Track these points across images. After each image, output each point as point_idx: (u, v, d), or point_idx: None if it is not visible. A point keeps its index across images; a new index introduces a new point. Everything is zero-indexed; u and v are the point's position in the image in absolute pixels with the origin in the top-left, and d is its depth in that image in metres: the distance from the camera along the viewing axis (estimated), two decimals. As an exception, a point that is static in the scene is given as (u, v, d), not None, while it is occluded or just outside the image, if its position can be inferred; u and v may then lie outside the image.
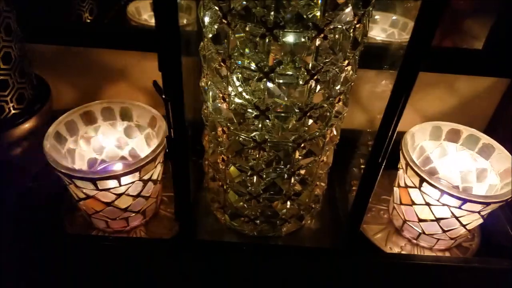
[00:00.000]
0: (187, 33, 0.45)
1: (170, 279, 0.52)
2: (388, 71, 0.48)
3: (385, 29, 0.63)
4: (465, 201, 0.45)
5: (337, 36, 0.34)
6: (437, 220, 0.49)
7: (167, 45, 0.30)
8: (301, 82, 0.36)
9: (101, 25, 0.61)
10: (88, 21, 0.61)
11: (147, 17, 0.62)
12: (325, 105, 0.40)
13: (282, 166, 0.44)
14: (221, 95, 0.40)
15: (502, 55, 0.58)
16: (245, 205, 0.49)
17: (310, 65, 0.35)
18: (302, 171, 0.46)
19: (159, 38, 0.30)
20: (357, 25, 0.35)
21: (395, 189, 0.54)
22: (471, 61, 0.60)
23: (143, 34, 0.59)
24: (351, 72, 0.40)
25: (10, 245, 0.48)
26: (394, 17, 0.62)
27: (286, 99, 0.38)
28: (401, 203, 0.53)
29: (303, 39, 0.34)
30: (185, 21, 0.50)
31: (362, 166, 0.51)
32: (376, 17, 0.63)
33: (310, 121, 0.41)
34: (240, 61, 0.36)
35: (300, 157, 0.44)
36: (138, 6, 0.62)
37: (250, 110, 0.39)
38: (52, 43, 0.59)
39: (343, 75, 0.39)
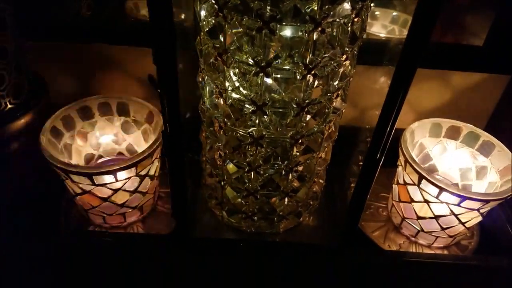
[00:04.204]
0: (184, 27, 0.44)
1: (167, 275, 0.51)
2: (387, 67, 0.48)
3: (385, 25, 0.62)
4: (464, 198, 0.45)
5: (335, 30, 0.34)
6: (436, 217, 0.49)
7: (162, 37, 0.30)
8: (298, 77, 0.36)
9: (99, 20, 0.61)
10: (86, 16, 0.60)
11: (145, 13, 0.61)
12: (323, 101, 0.40)
13: (280, 162, 0.44)
14: (218, 90, 0.40)
15: (503, 51, 0.58)
16: (242, 201, 0.49)
17: (308, 59, 0.35)
18: (300, 168, 0.46)
19: (153, 29, 0.29)
20: (355, 19, 0.35)
21: (394, 186, 0.54)
22: (471, 57, 0.59)
23: (141, 29, 0.59)
24: (349, 67, 0.39)
25: (7, 241, 0.47)
26: (395, 14, 0.62)
27: (283, 94, 0.37)
28: (400, 201, 0.52)
29: (300, 33, 0.33)
30: (182, 16, 0.50)
31: (361, 163, 0.51)
32: (376, 13, 0.62)
33: (308, 117, 0.40)
34: (237, 56, 0.36)
35: (298, 153, 0.43)
36: (137, 1, 0.61)
37: (247, 106, 0.39)
38: (50, 38, 0.58)
39: (341, 70, 0.38)
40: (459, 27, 0.61)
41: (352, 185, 0.53)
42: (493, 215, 0.54)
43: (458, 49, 0.60)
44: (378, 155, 0.38)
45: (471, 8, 0.61)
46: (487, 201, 0.45)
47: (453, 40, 0.61)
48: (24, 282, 0.51)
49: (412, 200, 0.50)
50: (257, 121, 0.40)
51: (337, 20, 0.33)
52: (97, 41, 0.60)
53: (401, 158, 0.50)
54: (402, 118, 0.37)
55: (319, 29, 0.33)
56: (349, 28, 0.35)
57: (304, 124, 0.41)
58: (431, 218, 0.49)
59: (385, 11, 0.62)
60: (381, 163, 0.40)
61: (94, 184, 0.45)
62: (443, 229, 0.50)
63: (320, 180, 0.51)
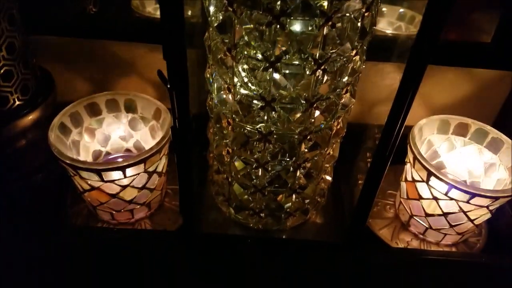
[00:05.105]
0: (191, 24, 0.44)
1: (175, 271, 0.52)
2: (396, 63, 0.47)
3: (392, 22, 0.62)
4: (473, 195, 0.45)
5: (345, 25, 0.34)
6: (445, 214, 0.49)
7: (172, 32, 0.30)
8: (307, 72, 0.36)
9: (105, 17, 0.61)
10: (92, 13, 0.60)
11: (152, 10, 0.61)
12: (332, 97, 0.40)
13: (288, 159, 0.44)
14: (226, 86, 0.40)
15: (510, 48, 0.57)
16: (250, 198, 0.48)
17: (317, 54, 0.34)
18: (308, 164, 0.46)
19: (164, 22, 0.29)
20: (366, 14, 0.34)
21: (402, 183, 0.53)
22: (479, 54, 0.59)
23: (148, 25, 0.59)
24: (359, 62, 0.39)
25: (15, 237, 0.48)
26: (401, 10, 0.61)
27: (292, 90, 0.37)
28: (408, 198, 0.52)
29: (310, 28, 0.33)
30: (189, 12, 0.50)
31: (369, 160, 0.51)
32: (383, 9, 0.62)
33: (317, 113, 0.40)
34: (245, 51, 0.36)
35: (305, 150, 0.43)
36: (142, -2, 0.62)
37: (255, 101, 0.39)
38: (56, 34, 0.59)
39: (350, 65, 0.38)
40: (467, 24, 0.61)
41: (360, 182, 0.53)
42: (502, 212, 0.54)
43: (465, 46, 0.59)
44: (388, 152, 0.38)
45: (479, 4, 0.60)
46: (496, 198, 0.45)
47: (460, 37, 0.61)
48: (30, 278, 0.52)
49: (420, 197, 0.50)
50: (265, 117, 0.40)
51: (347, 14, 0.33)
52: (103, 37, 0.60)
53: (410, 155, 0.50)
54: (410, 115, 0.36)
55: (329, 23, 0.32)
56: (359, 23, 0.35)
57: (313, 120, 0.40)
58: (439, 215, 0.49)
59: (392, 8, 0.62)
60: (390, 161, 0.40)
61: (102, 180, 0.45)
62: (451, 226, 0.49)
63: (328, 177, 0.51)
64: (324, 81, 0.37)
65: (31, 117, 0.51)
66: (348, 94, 0.42)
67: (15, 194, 0.53)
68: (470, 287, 0.52)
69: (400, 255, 0.51)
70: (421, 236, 0.53)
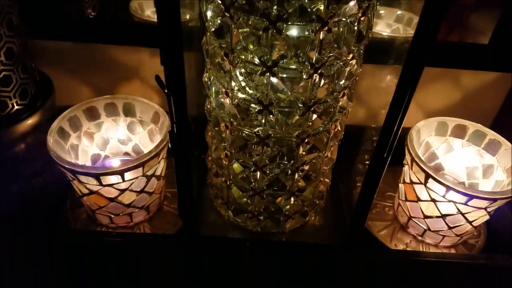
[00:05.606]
0: (189, 28, 0.45)
1: (174, 275, 0.52)
2: (393, 65, 0.47)
3: (390, 24, 0.62)
4: (471, 197, 0.45)
5: (341, 29, 0.34)
6: (443, 216, 0.49)
7: (170, 37, 0.30)
8: (304, 76, 0.36)
9: (104, 20, 0.61)
10: (91, 17, 0.60)
11: (150, 13, 0.62)
12: (329, 100, 0.40)
13: (286, 162, 0.44)
14: (224, 90, 0.40)
15: (508, 49, 0.57)
16: (248, 201, 0.49)
17: (314, 58, 0.35)
18: (306, 167, 0.46)
19: (161, 29, 0.29)
20: (362, 18, 0.34)
21: (400, 185, 0.53)
22: (477, 55, 0.59)
23: (147, 29, 0.59)
24: (355, 66, 0.39)
25: (14, 241, 0.48)
26: (399, 12, 0.62)
27: (289, 93, 0.37)
28: (406, 200, 0.52)
29: (306, 32, 0.33)
30: (187, 17, 0.50)
31: (367, 162, 0.51)
32: (381, 12, 0.62)
33: (314, 116, 0.40)
34: (243, 55, 0.36)
35: (304, 153, 0.43)
36: (141, 2, 0.62)
37: (253, 105, 0.39)
38: (55, 38, 0.59)
39: (347, 69, 0.38)
40: (464, 26, 0.61)
41: (358, 184, 0.53)
42: (500, 214, 0.54)
43: (463, 48, 0.60)
44: (386, 153, 0.38)
45: (476, 6, 0.60)
46: (494, 200, 0.45)
47: (458, 39, 0.61)
48: (29, 282, 0.52)
49: (418, 199, 0.50)
50: (263, 121, 0.40)
51: (344, 19, 0.33)
52: (102, 41, 0.60)
53: (408, 157, 0.50)
54: (408, 117, 0.37)
55: (326, 28, 0.33)
56: (356, 27, 0.35)
57: (310, 124, 0.41)
58: (438, 217, 0.49)
59: (390, 10, 0.62)
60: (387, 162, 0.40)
61: (101, 184, 0.45)
62: (450, 228, 0.50)
63: (326, 180, 0.51)
64: (321, 84, 0.37)
65: (30, 121, 0.51)
66: (345, 97, 0.42)
67: (14, 198, 0.53)
68: (469, 288, 0.52)
69: (399, 257, 0.51)
70: (420, 237, 0.53)
